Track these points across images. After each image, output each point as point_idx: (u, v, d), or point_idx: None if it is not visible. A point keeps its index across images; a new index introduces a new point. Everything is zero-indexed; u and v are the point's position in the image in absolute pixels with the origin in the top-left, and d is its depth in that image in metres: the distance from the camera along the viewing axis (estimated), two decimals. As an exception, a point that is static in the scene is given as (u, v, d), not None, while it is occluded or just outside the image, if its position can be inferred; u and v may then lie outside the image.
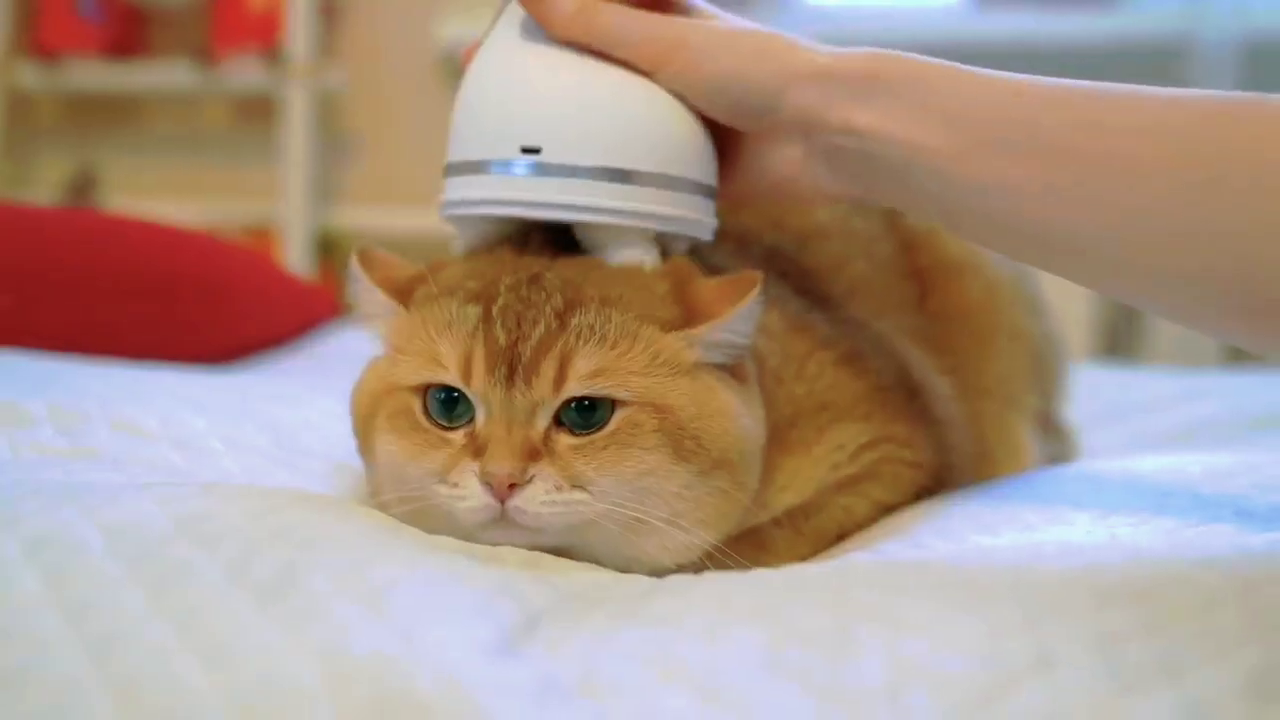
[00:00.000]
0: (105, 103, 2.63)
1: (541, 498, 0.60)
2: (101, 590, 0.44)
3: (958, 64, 0.65)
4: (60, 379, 0.89)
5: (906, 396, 0.81)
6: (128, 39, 2.58)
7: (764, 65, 0.67)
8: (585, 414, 0.62)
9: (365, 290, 0.70)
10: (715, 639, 0.44)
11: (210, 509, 0.52)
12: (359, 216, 2.40)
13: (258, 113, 2.46)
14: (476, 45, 0.74)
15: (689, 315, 0.65)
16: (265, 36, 2.40)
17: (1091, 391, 1.22)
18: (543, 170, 0.66)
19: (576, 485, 0.61)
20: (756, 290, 0.64)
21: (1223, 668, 0.40)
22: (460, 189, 0.69)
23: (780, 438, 0.73)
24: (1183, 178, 0.56)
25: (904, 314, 0.89)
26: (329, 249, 2.40)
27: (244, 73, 2.41)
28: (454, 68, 2.40)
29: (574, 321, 0.62)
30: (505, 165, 0.67)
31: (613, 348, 0.62)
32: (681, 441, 0.62)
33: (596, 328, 0.62)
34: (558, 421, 0.62)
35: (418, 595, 0.45)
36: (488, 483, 0.60)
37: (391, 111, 2.44)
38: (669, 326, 0.64)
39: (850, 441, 0.76)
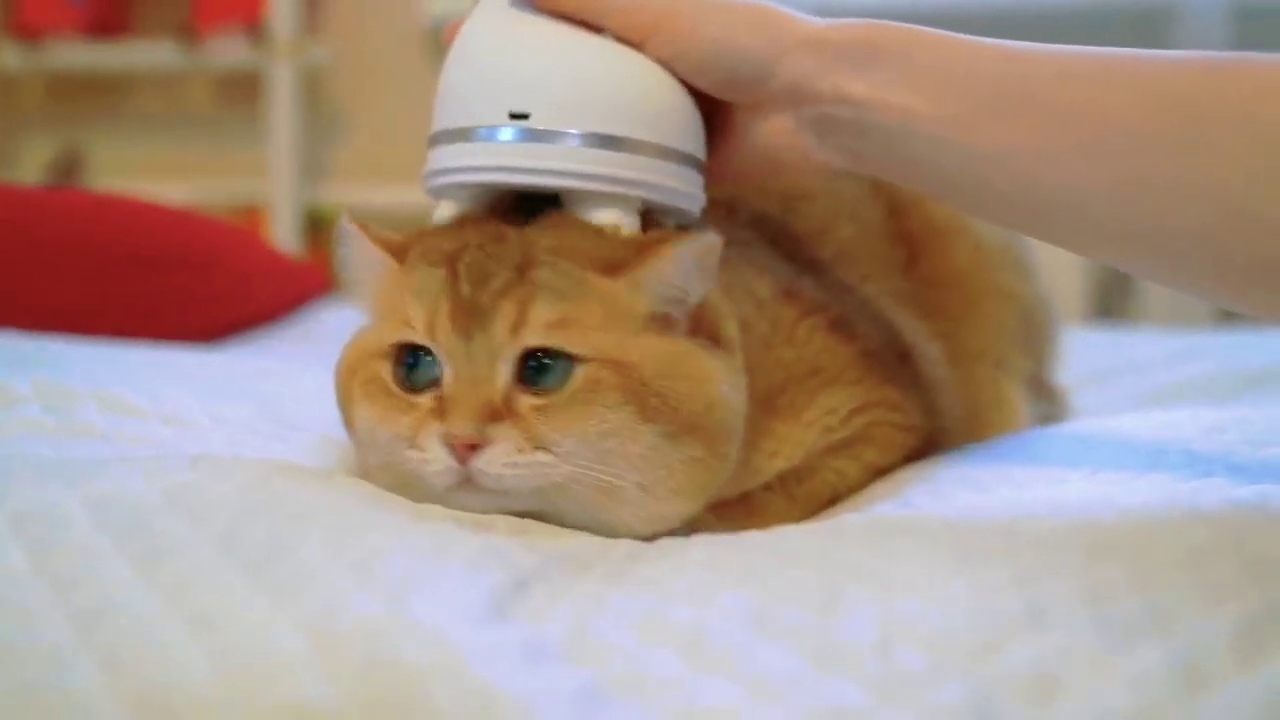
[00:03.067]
0: (89, 83, 2.61)
1: (503, 459, 0.59)
2: (88, 563, 0.44)
3: (951, 32, 0.64)
4: (45, 357, 0.89)
5: (896, 360, 0.81)
6: (110, 18, 2.56)
7: (755, 35, 0.67)
8: (546, 373, 0.61)
9: (360, 248, 0.69)
10: (703, 600, 0.44)
11: (198, 482, 0.52)
12: (347, 194, 2.39)
13: (242, 90, 2.45)
14: (459, 23, 0.74)
15: (637, 262, 0.63)
16: (249, 13, 2.38)
17: (1082, 352, 1.22)
18: (530, 135, 0.66)
19: (539, 446, 0.60)
20: (704, 236, 0.63)
21: (1213, 619, 0.40)
22: (445, 158, 0.69)
23: (770, 403, 0.73)
24: (1180, 137, 0.55)
25: (892, 278, 0.89)
26: (317, 227, 2.39)
27: (228, 50, 2.39)
28: (441, 43, 2.38)
29: (531, 274, 0.62)
30: (491, 131, 0.66)
31: (570, 300, 0.62)
32: (646, 400, 0.61)
33: (553, 281, 0.62)
34: (521, 381, 0.62)
35: (406, 563, 0.45)
36: (450, 445, 0.60)
37: (378, 88, 2.42)
38: (616, 272, 0.63)
39: (841, 406, 0.76)
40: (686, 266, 0.63)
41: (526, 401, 0.61)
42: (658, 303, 0.64)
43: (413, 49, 2.40)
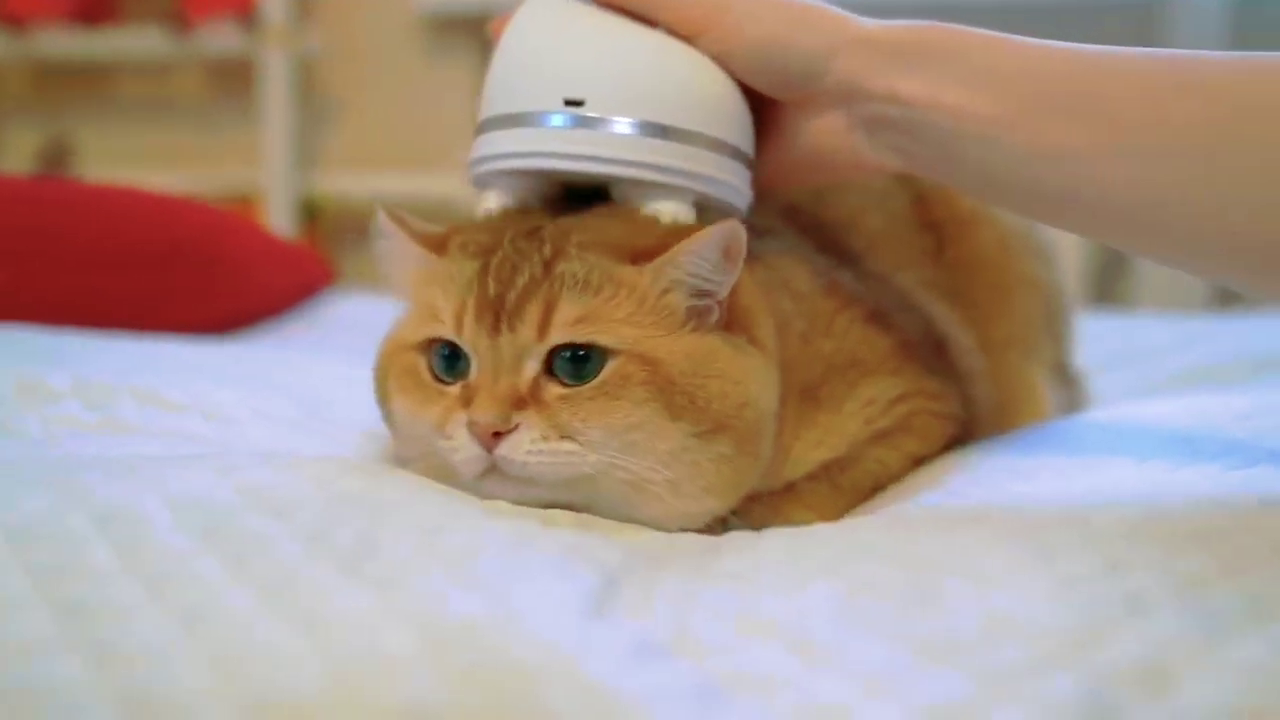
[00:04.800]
0: (76, 71, 2.58)
1: (527, 446, 0.60)
2: (178, 563, 0.43)
3: (1001, 33, 0.64)
4: (76, 353, 0.88)
5: (933, 350, 0.81)
6: (97, 5, 2.53)
7: (808, 33, 0.67)
8: (577, 365, 0.61)
9: (397, 242, 0.69)
10: (794, 593, 0.44)
11: (273, 480, 0.51)
12: (341, 182, 2.38)
13: (234, 78, 2.43)
14: (507, 16, 0.73)
15: (658, 250, 0.63)
16: (239, 1, 2.36)
17: (1093, 339, 1.23)
18: (584, 123, 0.65)
19: (564, 435, 0.60)
20: (728, 224, 0.62)
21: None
22: (495, 143, 0.68)
23: (812, 395, 0.73)
24: (1246, 140, 0.55)
25: (922, 267, 0.89)
26: (312, 215, 2.37)
27: (218, 38, 2.37)
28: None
29: (558, 268, 0.62)
30: (545, 116, 0.66)
31: (596, 294, 0.62)
32: (673, 398, 0.61)
33: (580, 274, 0.62)
34: (550, 372, 0.62)
35: (496, 561, 0.45)
36: (474, 432, 0.60)
37: (371, 75, 2.41)
38: (641, 260, 0.63)
39: (881, 396, 0.76)
40: (711, 255, 0.63)
41: (554, 391, 0.61)
42: (687, 294, 0.64)
43: (405, 36, 2.39)
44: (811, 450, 0.73)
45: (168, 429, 0.71)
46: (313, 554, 0.44)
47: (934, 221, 0.92)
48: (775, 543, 0.52)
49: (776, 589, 0.45)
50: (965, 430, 0.81)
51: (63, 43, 2.49)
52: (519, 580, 0.43)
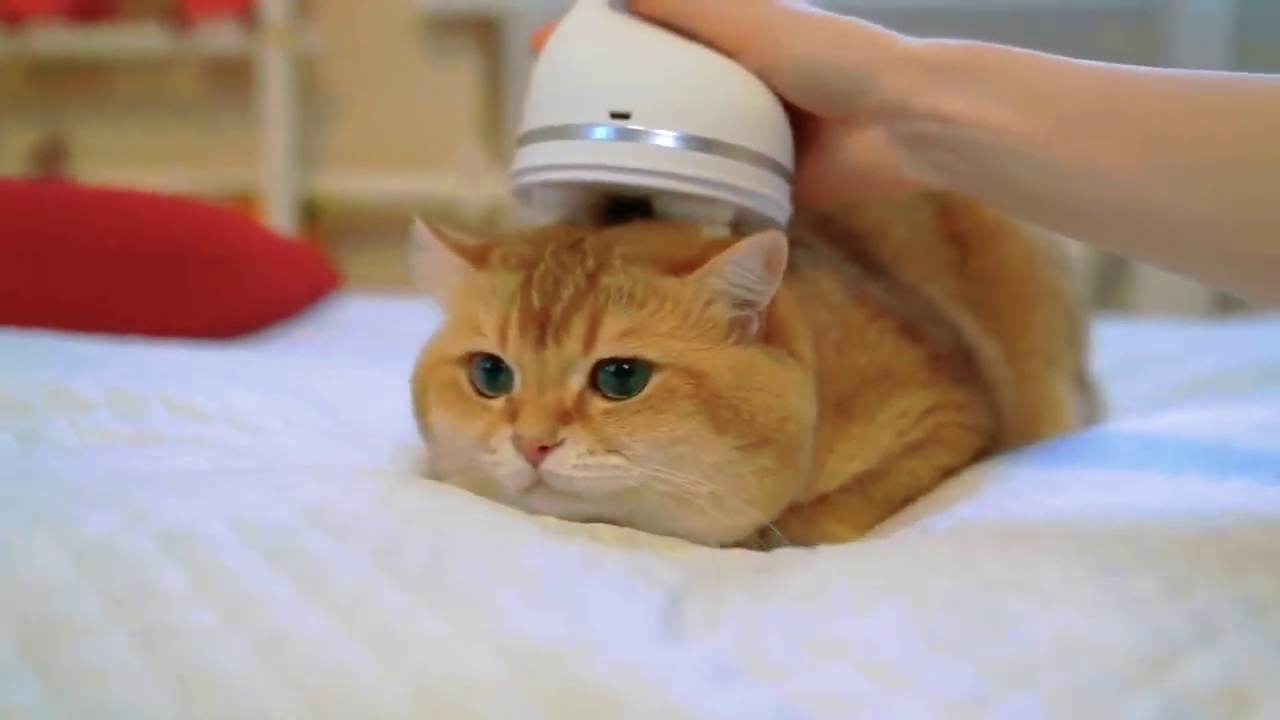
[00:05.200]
0: (72, 69, 2.57)
1: (573, 460, 0.60)
2: (249, 585, 0.43)
3: (1042, 53, 0.65)
4: (100, 359, 0.88)
5: (962, 362, 0.82)
6: (94, 2, 2.52)
7: (851, 50, 0.67)
8: (622, 379, 0.61)
9: (438, 254, 0.69)
10: (863, 614, 0.45)
11: (330, 496, 0.51)
12: (342, 182, 2.37)
13: (233, 77, 2.42)
14: (548, 27, 0.74)
15: (700, 261, 0.63)
16: (239, -1, 2.36)
17: (1102, 346, 1.24)
18: (630, 135, 0.66)
19: (610, 449, 0.60)
20: (769, 234, 0.62)
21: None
22: (539, 155, 0.68)
23: (845, 407, 0.73)
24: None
25: (948, 278, 0.89)
26: (312, 215, 2.37)
27: (218, 36, 2.36)
28: (434, 26, 2.36)
29: (603, 281, 0.62)
30: (591, 129, 0.66)
31: (641, 307, 0.62)
32: (719, 411, 0.62)
33: (625, 288, 0.62)
34: (595, 386, 0.62)
35: (568, 580, 0.45)
36: (520, 446, 0.60)
37: (372, 73, 2.40)
38: (684, 271, 0.63)
39: (913, 408, 0.77)
40: (753, 266, 0.64)
41: (599, 405, 0.61)
42: (729, 305, 0.64)
43: (407, 34, 2.38)
44: (845, 463, 0.74)
45: (201, 438, 0.71)
46: (382, 574, 0.44)
47: (959, 233, 0.92)
48: (833, 561, 0.52)
49: (844, 609, 0.45)
50: (992, 441, 0.82)
51: (60, 40, 2.48)
52: (592, 601, 0.43)
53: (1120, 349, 1.37)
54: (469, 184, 2.24)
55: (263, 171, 2.33)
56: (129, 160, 2.40)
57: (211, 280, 1.33)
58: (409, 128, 2.35)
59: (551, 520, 0.58)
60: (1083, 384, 1.02)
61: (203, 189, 2.24)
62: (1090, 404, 1.02)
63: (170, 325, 1.21)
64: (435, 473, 0.69)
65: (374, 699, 0.37)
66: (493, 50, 2.33)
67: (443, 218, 0.70)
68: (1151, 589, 0.45)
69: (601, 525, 0.61)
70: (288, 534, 0.47)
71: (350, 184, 2.36)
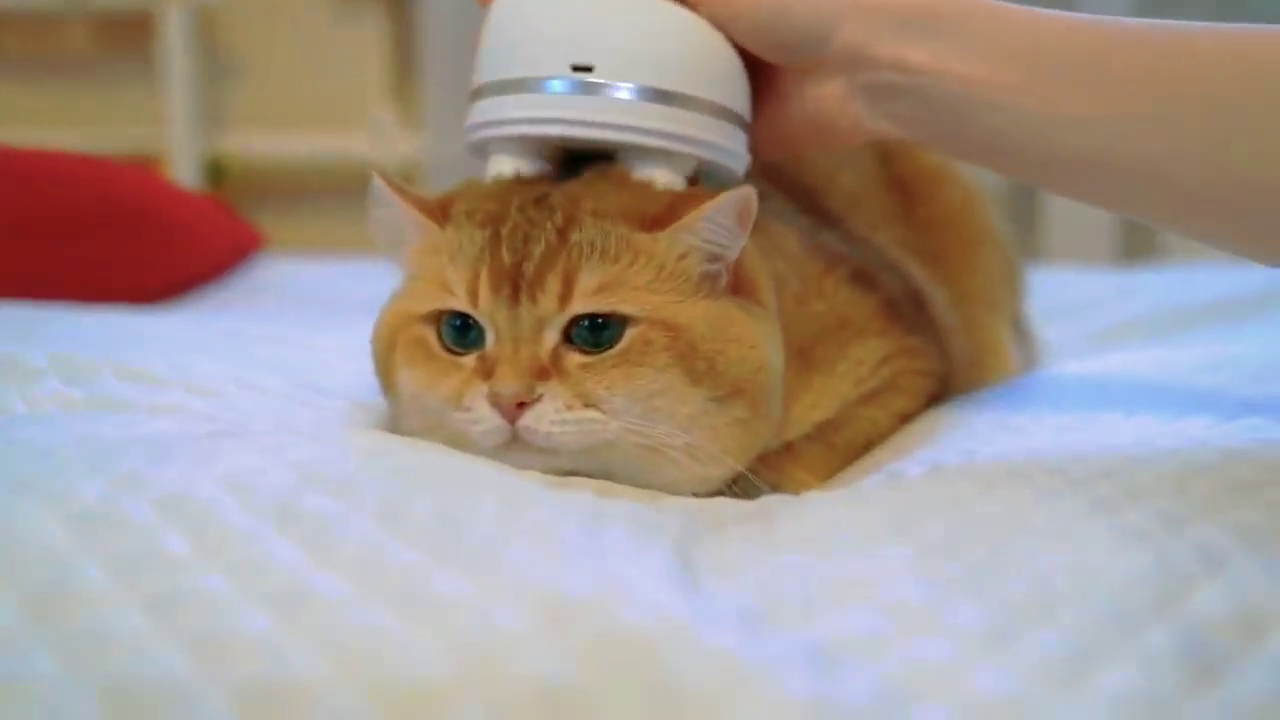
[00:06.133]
0: (-44, 26, 2.45)
1: (551, 416, 0.60)
2: (256, 548, 0.42)
3: (1010, 3, 0.65)
4: (38, 326, 0.84)
5: (914, 308, 0.83)
6: (-25, -44, 2.40)
7: (811, 0, 0.67)
8: (596, 332, 0.62)
9: (398, 211, 0.68)
10: (872, 558, 0.45)
11: (321, 456, 0.50)
12: (249, 142, 2.31)
13: (129, 32, 2.33)
14: None
15: (673, 216, 0.64)
16: (133, -49, 2.26)
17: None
18: (593, 89, 0.65)
19: (588, 404, 0.61)
20: (741, 189, 0.63)
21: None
22: (498, 109, 0.67)
23: (807, 356, 0.74)
24: (1259, 99, 0.57)
25: (895, 226, 0.90)
26: (218, 176, 2.30)
27: (111, -9, 2.28)
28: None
29: (574, 237, 0.62)
30: (554, 83, 0.65)
31: (615, 261, 0.62)
32: (694, 363, 0.62)
33: (597, 243, 0.62)
34: (569, 340, 0.62)
35: (582, 532, 0.45)
36: (496, 404, 0.60)
37: (277, 30, 2.33)
38: (656, 226, 0.63)
39: (870, 356, 0.78)
40: (726, 220, 0.64)
41: (575, 359, 0.61)
42: (701, 260, 0.64)
43: (311, -11, 2.32)
44: (808, 411, 0.74)
45: (158, 404, 0.69)
46: (393, 534, 0.43)
47: (900, 178, 0.93)
48: (826, 508, 0.53)
49: (850, 552, 0.46)
50: (943, 386, 0.83)
51: (-58, -4, 2.36)
52: (609, 553, 0.43)
53: (1050, 296, 1.41)
54: (381, 144, 2.20)
55: (165, 132, 2.25)
56: (22, 121, 2.31)
57: (136, 242, 1.28)
58: (317, 86, 2.29)
59: (532, 474, 0.58)
60: (1020, 329, 1.04)
61: (102, 150, 2.16)
62: (1027, 349, 1.05)
63: (93, 289, 1.17)
64: (401, 431, 0.68)
65: (405, 658, 0.37)
66: (402, 8, 2.29)
67: (354, 178, 0.69)
68: (1147, 524, 0.46)
69: (579, 478, 0.60)
70: (286, 495, 0.46)
71: (257, 144, 2.30)
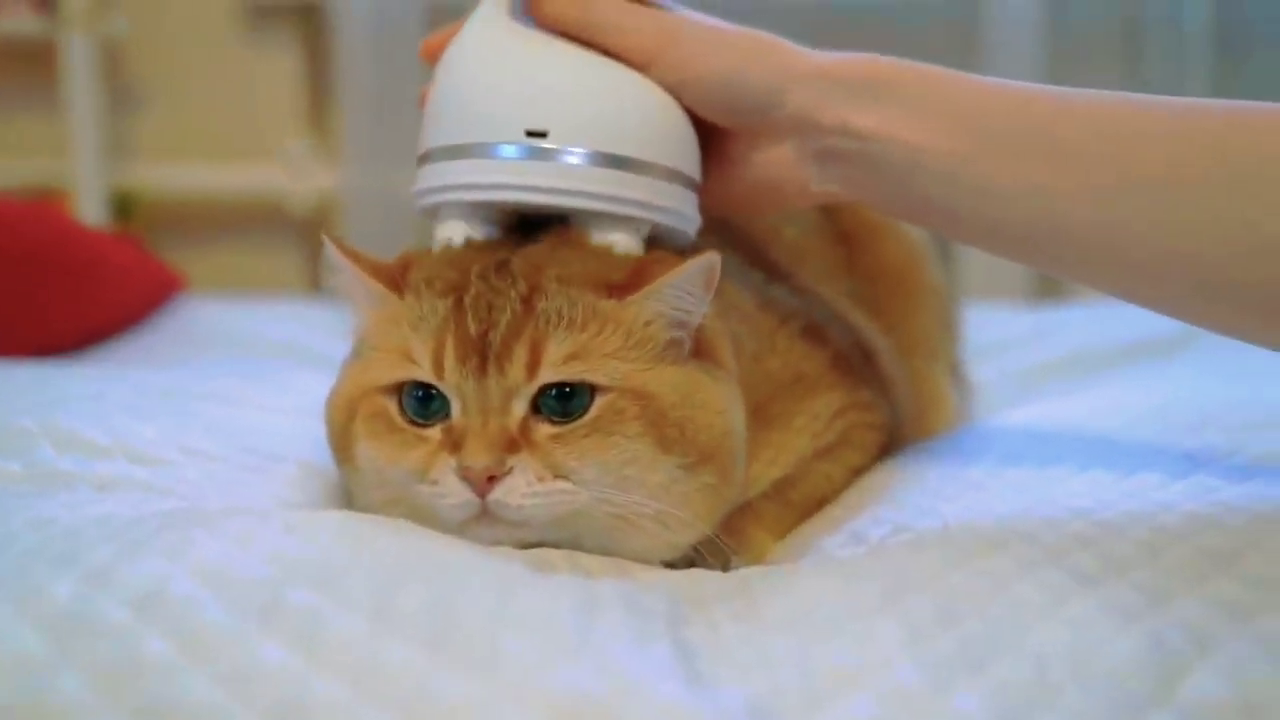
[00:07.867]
0: None
1: (523, 489, 0.59)
2: (242, 651, 0.41)
3: (958, 71, 0.66)
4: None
5: (863, 361, 0.84)
6: None
7: (761, 65, 0.67)
8: (564, 401, 0.61)
9: (353, 279, 0.66)
10: (864, 641, 0.45)
11: (298, 545, 0.48)
12: (156, 175, 2.25)
13: (31, 63, 2.26)
14: (442, 35, 0.71)
15: (639, 283, 0.64)
16: (34, -21, 2.20)
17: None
18: (547, 154, 0.65)
19: (558, 475, 0.60)
20: (706, 256, 0.63)
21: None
22: (451, 174, 0.66)
23: (763, 413, 0.74)
24: (1209, 179, 0.57)
25: (840, 278, 0.91)
26: (126, 210, 2.24)
27: (11, 20, 2.20)
28: (251, 12, 2.26)
29: (540, 305, 0.62)
30: (508, 148, 0.65)
31: (582, 329, 0.62)
32: (665, 431, 0.62)
33: (564, 311, 0.62)
34: (536, 411, 0.61)
35: (577, 621, 0.44)
36: (466, 478, 0.59)
37: (185, 61, 2.27)
38: (621, 294, 0.63)
39: (824, 410, 0.78)
40: (692, 287, 0.64)
41: (544, 430, 0.61)
42: (667, 326, 0.64)
43: (221, 20, 2.27)
44: (767, 469, 0.75)
45: (100, 476, 0.66)
46: (384, 629, 0.42)
47: (843, 231, 0.94)
48: (805, 581, 0.53)
49: (842, 634, 0.46)
50: (892, 438, 0.84)
51: None
52: (607, 643, 0.42)
53: (971, 334, 1.43)
54: (296, 176, 2.16)
55: (69, 165, 2.18)
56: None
57: (42, 289, 1.22)
58: (228, 118, 2.24)
59: (512, 551, 0.57)
60: (958, 375, 1.05)
61: (3, 184, 2.09)
62: (964, 396, 1.06)
63: (19, 342, 1.12)
64: (358, 503, 0.67)
65: (416, 770, 0.36)
66: (316, 39, 2.25)
67: (269, 212, 0.68)
68: (1133, 599, 0.46)
69: (551, 550, 0.60)
70: (268, 589, 0.44)
71: (166, 177, 2.24)
